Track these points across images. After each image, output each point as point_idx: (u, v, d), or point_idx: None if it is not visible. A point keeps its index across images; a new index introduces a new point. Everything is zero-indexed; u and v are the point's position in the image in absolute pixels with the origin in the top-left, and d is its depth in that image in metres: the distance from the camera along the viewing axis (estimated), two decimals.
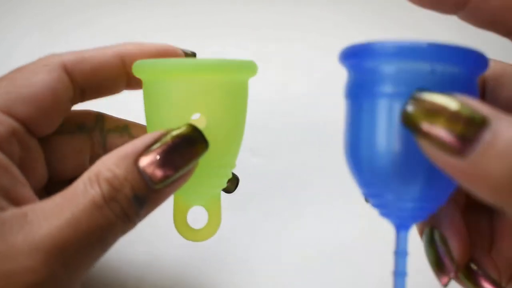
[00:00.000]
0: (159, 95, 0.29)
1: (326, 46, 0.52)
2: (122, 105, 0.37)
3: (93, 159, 0.33)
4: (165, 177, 0.26)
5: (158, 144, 0.26)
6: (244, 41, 0.52)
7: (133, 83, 0.32)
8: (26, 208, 0.25)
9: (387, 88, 0.22)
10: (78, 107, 0.33)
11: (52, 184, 0.32)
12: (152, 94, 0.30)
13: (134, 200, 0.25)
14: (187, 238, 0.32)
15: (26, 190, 0.27)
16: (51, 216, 0.24)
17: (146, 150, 0.26)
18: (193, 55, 0.33)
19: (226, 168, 0.31)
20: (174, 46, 0.32)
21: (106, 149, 0.33)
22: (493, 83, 0.24)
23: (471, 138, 0.18)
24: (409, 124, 0.20)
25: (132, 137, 0.33)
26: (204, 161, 0.28)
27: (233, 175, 0.34)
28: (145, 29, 0.51)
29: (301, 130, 0.46)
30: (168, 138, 0.26)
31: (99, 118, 0.34)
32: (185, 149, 0.26)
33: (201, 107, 0.29)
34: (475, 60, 0.23)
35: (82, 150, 0.33)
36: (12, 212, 0.25)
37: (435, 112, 0.19)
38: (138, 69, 0.31)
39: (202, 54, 0.50)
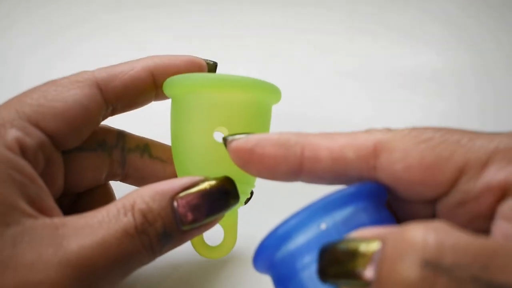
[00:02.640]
0: (188, 108, 0.30)
1: (326, 46, 0.52)
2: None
3: (109, 176, 0.34)
4: (194, 221, 0.27)
5: (195, 189, 0.27)
6: (245, 42, 0.52)
7: (161, 94, 0.33)
8: (57, 221, 0.26)
9: (299, 264, 0.23)
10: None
11: (62, 194, 0.32)
12: (181, 107, 0.31)
13: (162, 236, 0.26)
14: (203, 255, 0.33)
15: (50, 201, 0.27)
16: (82, 235, 0.25)
17: (182, 191, 0.27)
18: (215, 64, 0.34)
19: (245, 185, 0.31)
20: (197, 57, 0.33)
21: (125, 169, 0.34)
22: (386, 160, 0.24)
23: (368, 265, 0.20)
24: (325, 279, 0.21)
25: (152, 157, 0.34)
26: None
27: None
28: (152, 34, 0.51)
29: (302, 129, 0.45)
30: (206, 185, 0.27)
31: (120, 136, 0.34)
32: (218, 199, 0.27)
33: (226, 122, 0.30)
34: (359, 194, 0.24)
35: (100, 168, 0.33)
36: (43, 222, 0.25)
37: (338, 260, 0.21)
38: (169, 86, 0.31)
39: (203, 55, 0.50)
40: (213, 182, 0.27)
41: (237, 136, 0.26)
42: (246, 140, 0.25)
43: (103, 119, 0.32)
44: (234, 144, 0.25)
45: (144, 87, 0.32)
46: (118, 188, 0.35)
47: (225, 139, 0.26)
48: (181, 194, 0.27)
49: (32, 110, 0.28)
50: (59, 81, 0.30)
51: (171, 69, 0.32)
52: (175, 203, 0.27)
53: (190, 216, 0.27)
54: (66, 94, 0.29)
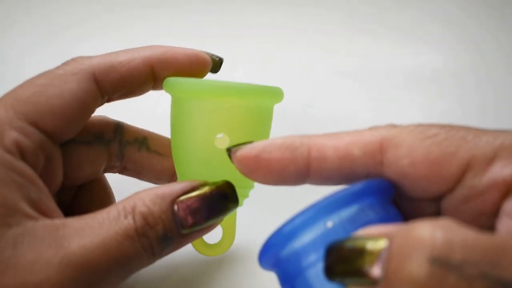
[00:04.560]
0: (188, 112, 0.30)
1: (326, 46, 0.52)
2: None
3: (107, 169, 0.34)
4: (194, 224, 0.27)
5: (195, 193, 0.27)
6: (245, 42, 0.52)
7: (159, 86, 0.32)
8: (57, 222, 0.26)
9: (305, 262, 0.23)
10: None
11: (61, 189, 0.32)
12: (181, 110, 0.30)
13: (162, 239, 0.27)
14: (201, 253, 0.33)
15: (50, 203, 0.27)
16: (83, 236, 0.25)
17: (182, 194, 0.27)
18: (220, 61, 0.34)
19: (245, 189, 0.31)
20: (202, 53, 0.33)
21: (123, 162, 0.34)
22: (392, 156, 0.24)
23: (375, 263, 0.20)
24: (331, 277, 0.21)
25: (150, 151, 0.34)
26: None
27: None
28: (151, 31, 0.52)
29: (302, 129, 0.46)
30: (206, 189, 0.28)
31: (118, 128, 0.34)
32: (218, 203, 0.28)
33: (226, 128, 0.30)
34: (365, 192, 0.24)
35: (98, 161, 0.33)
36: (44, 223, 0.25)
37: (345, 258, 0.21)
38: (170, 86, 0.31)
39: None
40: (213, 186, 0.28)
41: (241, 146, 0.26)
42: (251, 148, 0.25)
43: (97, 107, 0.31)
44: (239, 153, 0.25)
45: (142, 80, 0.31)
46: (117, 183, 0.35)
47: (229, 150, 0.26)
48: (182, 198, 0.27)
49: (29, 108, 0.28)
50: (55, 73, 0.29)
51: (173, 64, 0.31)
52: (176, 207, 0.27)
53: (190, 220, 0.27)
54: (62, 89, 0.29)
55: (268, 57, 0.51)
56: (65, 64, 0.30)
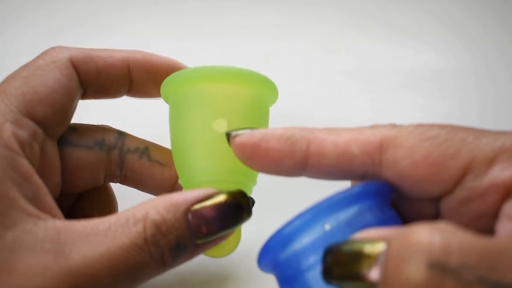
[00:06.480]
0: (186, 100, 0.30)
1: (326, 46, 0.52)
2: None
3: (108, 177, 0.33)
4: (208, 234, 0.26)
5: (210, 202, 0.26)
6: (244, 41, 0.52)
7: (134, 90, 0.33)
8: (59, 224, 0.25)
9: (304, 264, 0.23)
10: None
11: (61, 195, 0.32)
12: (179, 104, 0.31)
13: (175, 248, 0.26)
14: (206, 254, 0.32)
15: (49, 200, 0.26)
16: (86, 243, 0.24)
17: (196, 203, 0.26)
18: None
19: (247, 180, 0.31)
20: (180, 62, 0.33)
21: (123, 170, 0.33)
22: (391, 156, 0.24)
23: (373, 266, 0.20)
24: (329, 281, 0.21)
25: (151, 160, 0.33)
26: (225, 169, 0.28)
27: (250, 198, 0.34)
28: (150, 29, 0.52)
29: None
30: (220, 199, 0.27)
31: (120, 136, 0.33)
32: (233, 213, 0.27)
33: (225, 114, 0.29)
34: (363, 194, 0.24)
35: (97, 166, 0.32)
36: (45, 225, 0.25)
37: (342, 262, 0.21)
38: (169, 83, 0.31)
39: (203, 54, 0.50)
40: (227, 196, 0.27)
41: (240, 131, 0.25)
42: (250, 135, 0.25)
43: (78, 98, 0.31)
44: (238, 139, 0.25)
45: (117, 78, 0.31)
46: (120, 191, 0.35)
47: (228, 134, 0.26)
48: (196, 207, 0.26)
49: (19, 100, 0.28)
50: (36, 63, 0.29)
51: (150, 67, 0.32)
52: (189, 215, 0.26)
53: (204, 229, 0.26)
54: (46, 77, 0.29)
55: (267, 56, 0.51)
56: (44, 54, 0.30)
